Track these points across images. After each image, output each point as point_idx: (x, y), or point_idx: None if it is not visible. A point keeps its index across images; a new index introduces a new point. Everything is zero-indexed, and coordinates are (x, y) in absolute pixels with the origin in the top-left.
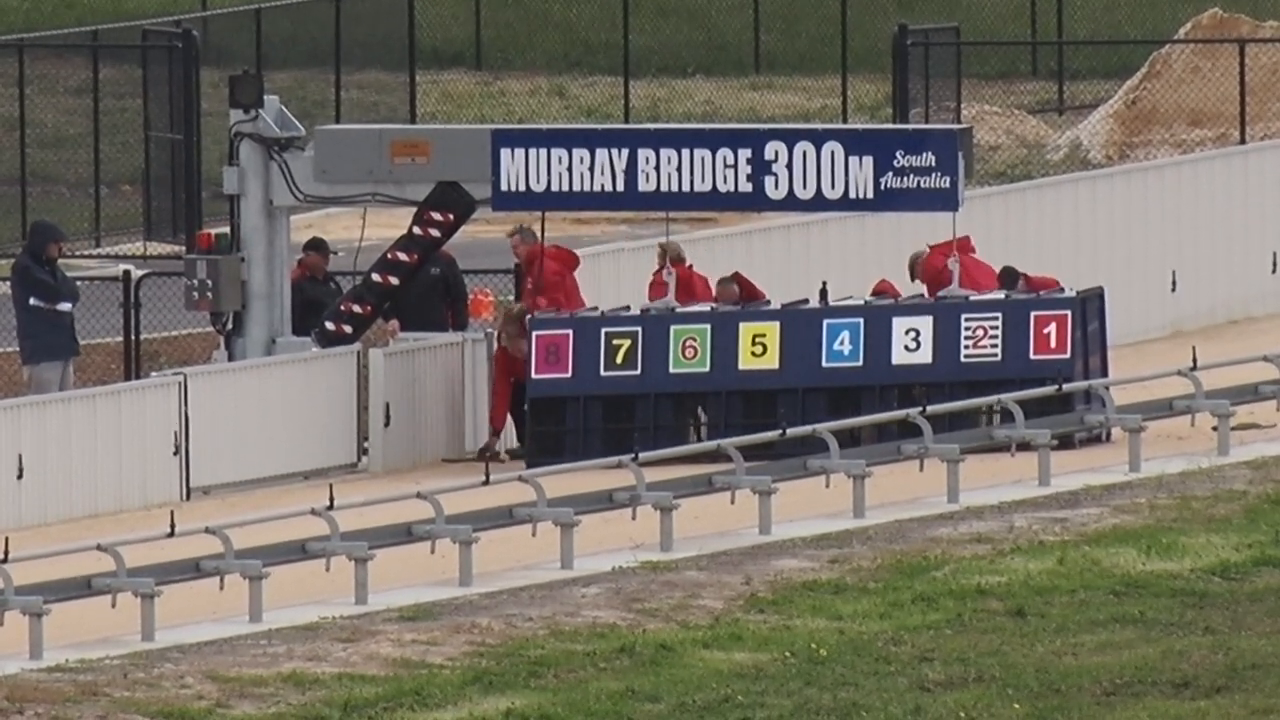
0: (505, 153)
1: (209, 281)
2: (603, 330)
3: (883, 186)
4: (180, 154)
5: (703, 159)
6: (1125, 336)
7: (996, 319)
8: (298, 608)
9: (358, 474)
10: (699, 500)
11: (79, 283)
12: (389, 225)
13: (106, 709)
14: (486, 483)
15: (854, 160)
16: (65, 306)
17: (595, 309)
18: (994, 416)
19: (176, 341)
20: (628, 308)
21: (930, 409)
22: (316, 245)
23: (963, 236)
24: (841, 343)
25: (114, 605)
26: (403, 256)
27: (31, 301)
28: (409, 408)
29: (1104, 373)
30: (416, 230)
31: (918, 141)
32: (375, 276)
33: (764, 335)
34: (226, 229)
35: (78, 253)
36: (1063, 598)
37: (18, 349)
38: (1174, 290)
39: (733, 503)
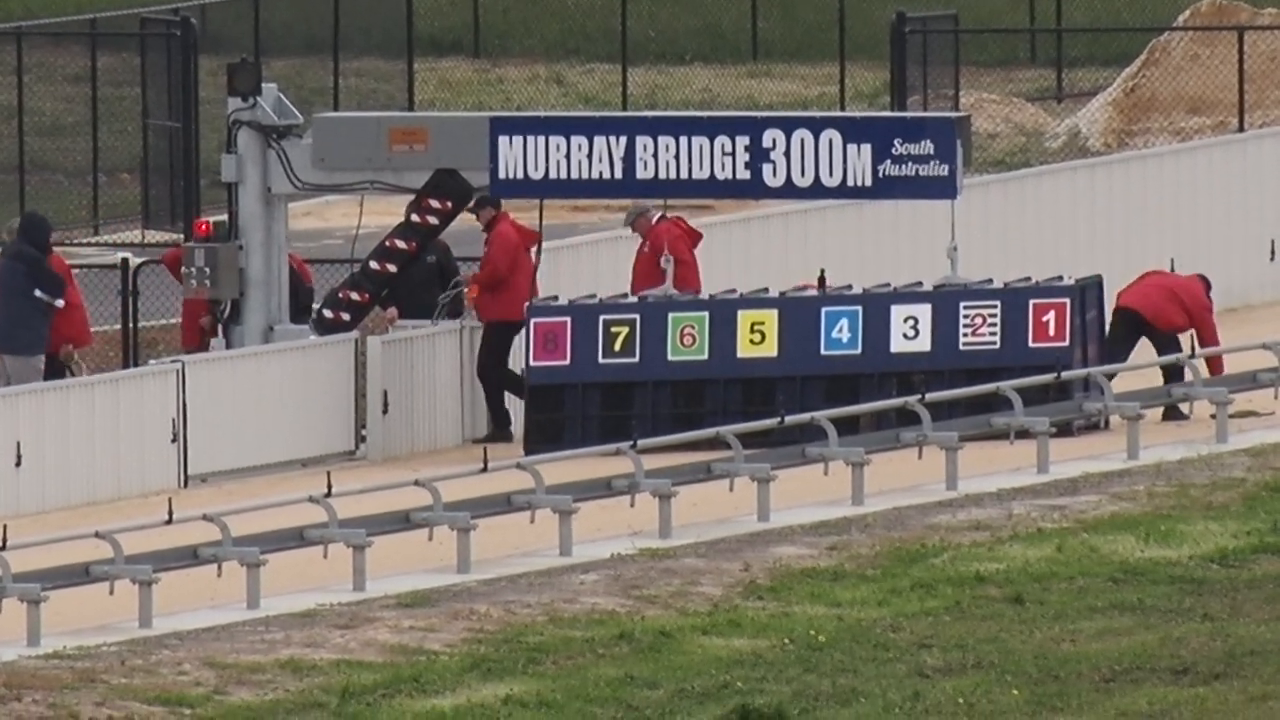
0: (503, 140)
1: (207, 269)
2: (601, 317)
3: (881, 174)
4: (178, 142)
5: (700, 146)
6: None
7: (995, 307)
8: (296, 595)
9: (356, 461)
10: (698, 487)
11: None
12: (387, 213)
13: (104, 695)
14: (485, 470)
15: (852, 148)
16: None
17: (593, 296)
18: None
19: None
20: (625, 295)
21: (929, 396)
22: None
23: (675, 220)
24: (840, 330)
25: (112, 592)
26: (400, 244)
27: (36, 293)
28: (407, 395)
29: (1102, 360)
30: (414, 218)
31: (916, 129)
32: (373, 264)
33: (762, 323)
34: (225, 217)
35: (75, 241)
36: (1061, 585)
37: None
38: None
39: (731, 490)
